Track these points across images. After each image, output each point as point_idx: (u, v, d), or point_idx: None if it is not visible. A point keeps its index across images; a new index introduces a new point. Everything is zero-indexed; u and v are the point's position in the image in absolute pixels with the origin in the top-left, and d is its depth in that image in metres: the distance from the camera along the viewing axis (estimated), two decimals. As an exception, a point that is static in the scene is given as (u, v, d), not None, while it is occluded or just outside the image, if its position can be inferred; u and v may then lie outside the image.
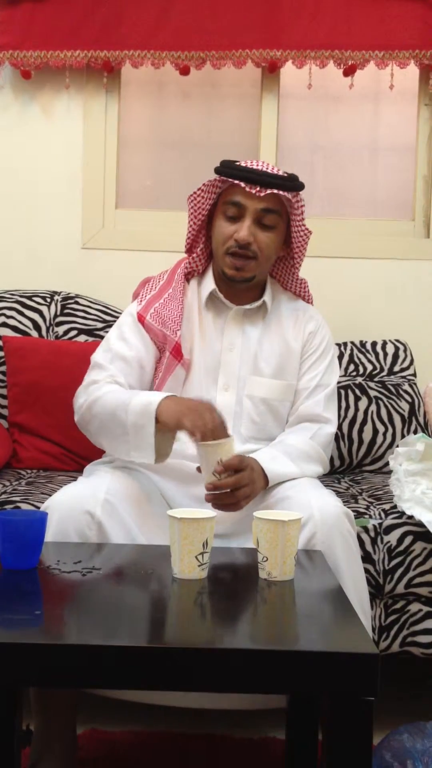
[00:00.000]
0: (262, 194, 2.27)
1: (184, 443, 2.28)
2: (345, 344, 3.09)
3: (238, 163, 2.31)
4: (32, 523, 1.83)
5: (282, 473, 2.23)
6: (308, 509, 2.04)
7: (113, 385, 2.27)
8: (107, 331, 2.46)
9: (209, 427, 2.06)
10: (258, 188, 2.27)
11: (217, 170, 2.32)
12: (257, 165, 2.30)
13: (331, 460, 2.92)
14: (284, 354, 2.39)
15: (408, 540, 2.40)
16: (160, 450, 2.16)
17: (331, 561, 2.00)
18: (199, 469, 2.13)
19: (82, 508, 2.04)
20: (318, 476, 2.36)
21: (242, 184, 2.27)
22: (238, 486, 2.09)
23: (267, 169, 2.29)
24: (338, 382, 2.95)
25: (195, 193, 2.34)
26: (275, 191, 2.26)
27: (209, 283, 2.38)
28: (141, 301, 2.39)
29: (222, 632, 1.64)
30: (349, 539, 2.09)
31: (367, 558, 2.37)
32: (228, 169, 2.30)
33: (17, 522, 1.82)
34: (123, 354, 2.33)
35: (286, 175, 2.31)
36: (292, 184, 2.30)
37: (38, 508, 2.27)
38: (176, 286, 2.38)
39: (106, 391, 2.24)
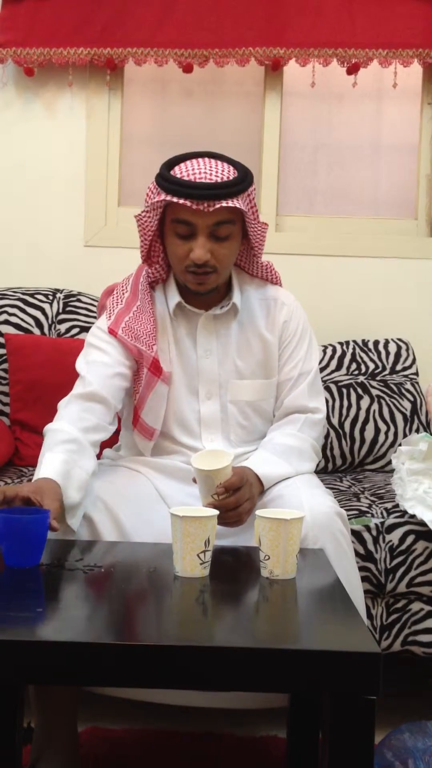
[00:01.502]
0: (211, 209, 2.11)
1: (180, 447, 2.28)
2: (347, 343, 3.09)
3: (180, 176, 2.12)
4: (35, 521, 1.83)
5: (276, 475, 2.20)
6: (300, 510, 2.02)
7: (68, 424, 2.11)
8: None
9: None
10: (206, 204, 2.10)
11: (158, 182, 2.15)
12: (200, 173, 2.11)
13: (333, 458, 2.93)
14: (262, 351, 2.31)
15: (410, 539, 2.40)
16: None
17: None
18: (194, 479, 2.11)
19: None
20: (314, 468, 2.31)
21: (188, 203, 2.10)
22: (240, 503, 2.07)
23: (211, 175, 2.11)
24: (341, 382, 2.97)
25: (140, 214, 2.22)
26: (225, 203, 2.11)
27: (175, 294, 2.28)
28: (109, 315, 2.28)
29: (224, 630, 1.64)
30: (341, 539, 2.07)
31: (368, 557, 2.37)
32: (169, 184, 2.12)
33: (20, 520, 1.82)
34: (100, 360, 2.23)
35: (232, 178, 2.13)
36: (242, 185, 2.13)
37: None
38: (143, 297, 2.27)
39: (52, 430, 2.11)
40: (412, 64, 3.17)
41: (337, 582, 1.81)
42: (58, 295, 3.06)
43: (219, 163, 2.17)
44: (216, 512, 1.84)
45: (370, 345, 3.09)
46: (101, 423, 2.16)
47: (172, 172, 2.15)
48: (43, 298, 3.04)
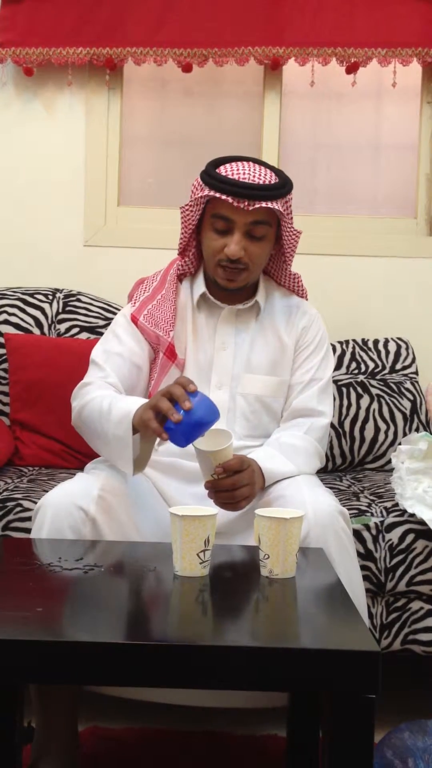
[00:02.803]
0: (251, 208, 2.21)
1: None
2: (347, 342, 3.09)
3: (225, 174, 2.22)
4: (214, 415, 1.97)
5: (279, 472, 2.23)
6: (302, 508, 2.03)
7: (103, 389, 2.24)
8: (109, 329, 2.46)
9: (148, 422, 2.00)
10: (246, 202, 2.20)
11: (203, 179, 2.25)
12: (244, 174, 2.22)
13: (333, 458, 2.93)
14: (278, 350, 2.37)
15: (409, 538, 2.40)
16: (144, 458, 2.16)
17: None
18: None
19: (76, 505, 2.04)
20: (316, 470, 2.35)
21: (230, 199, 2.20)
22: (237, 486, 2.08)
23: (255, 177, 2.21)
24: (341, 381, 2.97)
25: (186, 206, 2.30)
26: (264, 204, 2.21)
27: (201, 285, 2.36)
28: (135, 302, 2.38)
29: (223, 630, 1.64)
30: (344, 538, 2.08)
31: (368, 556, 2.37)
32: (214, 181, 2.22)
33: (209, 404, 1.96)
34: (117, 351, 2.32)
35: (274, 182, 2.23)
36: (282, 190, 2.24)
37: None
38: (169, 287, 2.35)
39: (94, 396, 2.21)
40: (412, 63, 3.17)
41: (337, 581, 1.82)
42: (58, 294, 3.06)
43: (262, 168, 2.27)
44: (216, 511, 1.84)
45: (370, 344, 3.09)
46: None
47: (217, 171, 2.25)
48: (43, 298, 3.05)
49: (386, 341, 3.11)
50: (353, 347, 3.07)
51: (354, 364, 3.04)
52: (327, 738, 1.56)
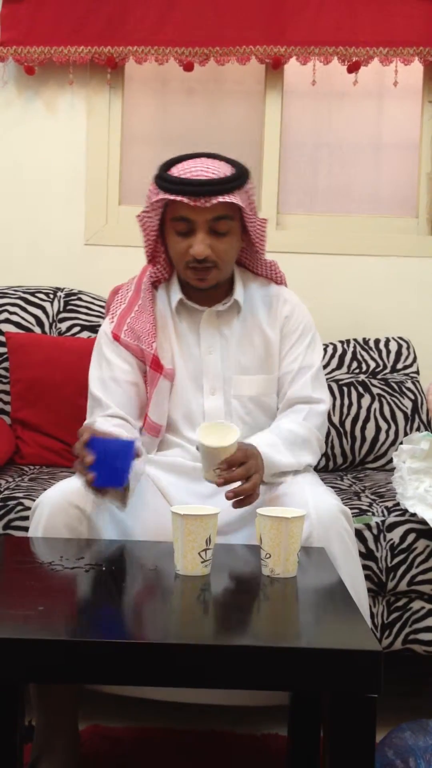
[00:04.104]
0: (208, 205, 2.15)
1: (183, 442, 2.28)
2: (348, 341, 3.08)
3: (177, 174, 2.16)
4: (126, 444, 1.99)
5: (279, 463, 2.20)
6: (305, 507, 2.01)
7: (103, 427, 2.17)
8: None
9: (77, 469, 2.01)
10: (203, 200, 2.14)
11: (156, 183, 2.19)
12: (196, 171, 2.15)
13: (334, 457, 2.93)
14: (264, 346, 2.33)
15: (411, 538, 2.40)
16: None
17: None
18: (197, 447, 2.11)
19: (72, 503, 2.03)
20: (316, 460, 2.31)
21: (185, 200, 2.14)
22: (248, 476, 2.07)
23: (208, 172, 2.15)
24: (341, 381, 2.97)
25: (142, 213, 2.26)
26: (222, 198, 2.15)
27: (177, 291, 2.31)
28: (113, 318, 2.33)
29: (225, 629, 1.64)
30: (346, 537, 2.08)
31: (369, 555, 2.37)
32: (167, 184, 2.16)
33: (109, 442, 1.97)
34: (112, 376, 2.28)
35: (229, 174, 2.17)
36: (238, 182, 2.17)
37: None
38: (145, 296, 2.31)
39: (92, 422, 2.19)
40: (413, 62, 3.16)
41: (339, 580, 1.82)
42: (59, 293, 3.06)
43: (215, 161, 2.21)
44: (218, 510, 1.83)
45: (371, 343, 3.09)
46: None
47: (169, 172, 2.20)
48: (44, 297, 3.05)
49: (387, 341, 3.10)
50: (354, 347, 3.07)
51: (355, 364, 3.03)
52: (328, 737, 1.56)
